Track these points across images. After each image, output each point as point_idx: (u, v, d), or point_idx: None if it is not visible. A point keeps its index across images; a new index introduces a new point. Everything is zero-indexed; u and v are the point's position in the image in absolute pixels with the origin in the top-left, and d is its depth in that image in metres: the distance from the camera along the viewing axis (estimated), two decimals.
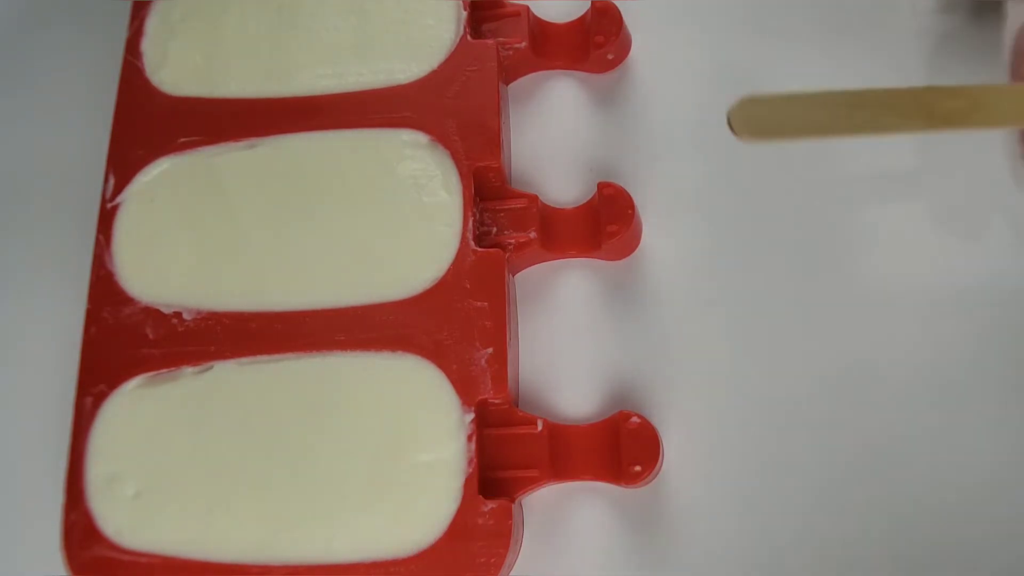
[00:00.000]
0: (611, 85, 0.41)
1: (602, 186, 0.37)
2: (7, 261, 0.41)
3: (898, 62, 0.40)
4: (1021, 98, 0.29)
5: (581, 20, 0.41)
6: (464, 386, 0.34)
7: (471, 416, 0.33)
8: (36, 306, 0.40)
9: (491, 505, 0.32)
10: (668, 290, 0.38)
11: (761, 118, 0.29)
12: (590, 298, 0.38)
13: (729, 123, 0.29)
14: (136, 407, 0.35)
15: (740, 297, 0.37)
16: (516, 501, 0.33)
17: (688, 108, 0.40)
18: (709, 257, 0.38)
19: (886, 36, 0.41)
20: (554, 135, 0.41)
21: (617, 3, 0.40)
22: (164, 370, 0.35)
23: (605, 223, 0.37)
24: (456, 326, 0.35)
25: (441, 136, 0.38)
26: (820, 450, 0.35)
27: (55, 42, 0.45)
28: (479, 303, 0.35)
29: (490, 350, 0.34)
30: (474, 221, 0.36)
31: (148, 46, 0.41)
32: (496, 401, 0.34)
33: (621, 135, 0.41)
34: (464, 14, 0.40)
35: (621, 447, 0.34)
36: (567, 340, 0.38)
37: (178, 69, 0.40)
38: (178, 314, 0.36)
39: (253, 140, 0.39)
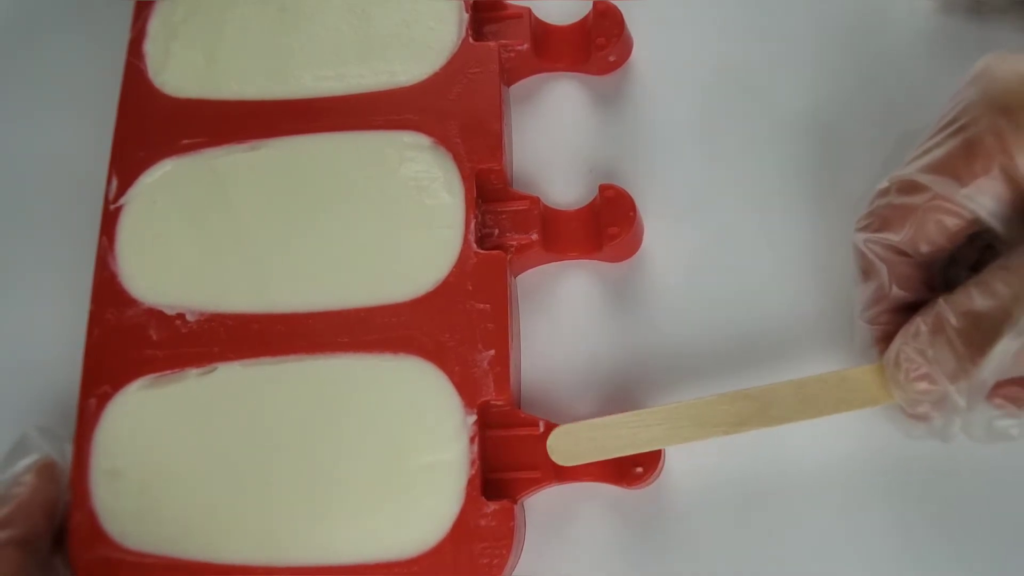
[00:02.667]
0: (613, 87, 0.41)
1: (604, 188, 0.38)
2: (11, 262, 0.41)
3: (898, 62, 0.40)
4: (804, 393, 0.31)
5: (583, 22, 0.41)
6: (466, 388, 0.34)
7: (473, 418, 0.33)
8: (39, 307, 0.40)
9: (493, 506, 0.32)
10: (669, 292, 0.38)
11: (574, 446, 0.33)
12: (591, 300, 0.38)
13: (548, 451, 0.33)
14: (140, 408, 0.35)
15: (741, 299, 0.37)
16: (518, 502, 0.33)
17: (689, 110, 0.41)
18: (711, 259, 0.38)
19: (885, 36, 0.41)
20: (556, 137, 0.41)
21: (619, 5, 0.41)
22: (168, 372, 0.36)
23: (606, 225, 0.37)
24: (458, 328, 0.35)
25: (443, 138, 0.38)
26: (822, 450, 0.35)
27: (58, 44, 0.45)
28: (481, 305, 0.35)
29: (492, 352, 0.34)
30: (476, 223, 0.37)
31: (151, 48, 0.41)
32: (498, 403, 0.34)
33: (623, 137, 0.41)
34: (466, 16, 0.40)
35: None
36: (568, 341, 0.38)
37: (180, 71, 0.40)
38: (181, 316, 0.36)
39: (256, 142, 0.39)
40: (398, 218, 0.37)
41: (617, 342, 0.37)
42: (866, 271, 0.31)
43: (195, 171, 0.38)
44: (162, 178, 0.39)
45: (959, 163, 0.28)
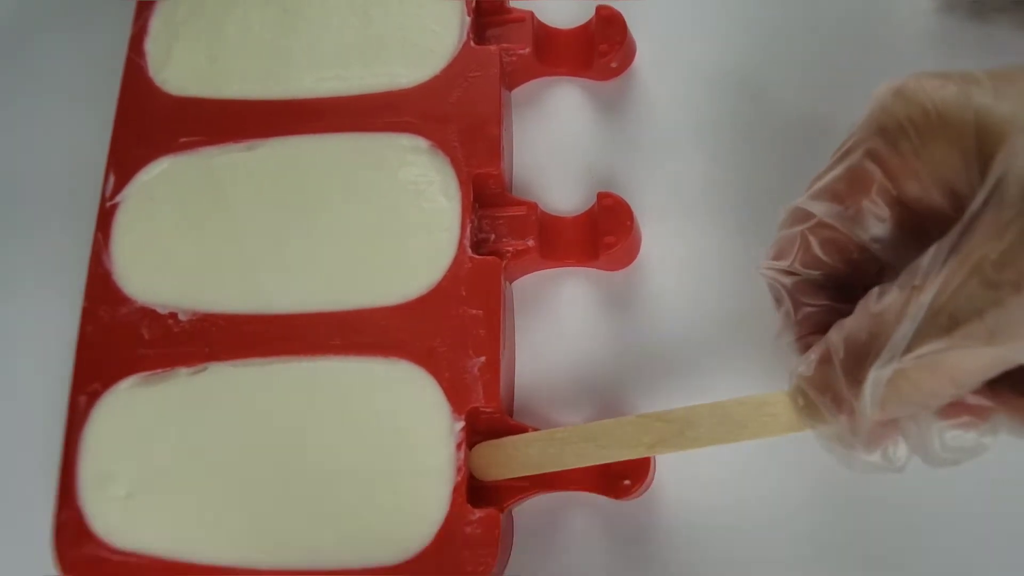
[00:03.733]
0: (614, 93, 0.41)
1: (602, 196, 0.37)
2: (4, 258, 0.41)
3: (898, 62, 0.40)
4: (722, 416, 0.30)
5: (586, 27, 0.41)
6: (455, 394, 0.34)
7: (461, 424, 0.33)
8: (32, 303, 0.40)
9: (479, 514, 0.32)
10: (666, 301, 0.38)
11: (489, 461, 0.33)
12: (587, 307, 0.38)
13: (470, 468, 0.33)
14: (130, 407, 0.35)
15: (739, 309, 0.37)
16: (505, 510, 0.33)
17: (691, 117, 0.40)
18: (710, 266, 0.38)
19: (886, 37, 0.40)
20: (556, 142, 0.41)
21: (621, 10, 0.40)
22: (159, 370, 0.35)
23: (603, 233, 0.37)
24: (450, 333, 0.35)
25: (441, 142, 0.38)
26: (814, 462, 0.34)
27: (58, 40, 0.45)
28: (474, 311, 0.35)
29: (483, 359, 0.34)
30: (472, 228, 0.36)
31: (152, 45, 0.41)
32: (487, 410, 0.34)
33: (624, 143, 0.40)
34: (468, 19, 0.40)
35: None
36: (563, 349, 0.37)
37: (181, 69, 0.40)
38: (174, 315, 0.36)
39: (253, 141, 0.39)
40: (394, 221, 0.37)
41: (613, 350, 0.37)
42: (776, 298, 0.31)
43: (192, 170, 0.38)
44: (159, 176, 0.38)
45: (841, 188, 0.28)
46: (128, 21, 0.41)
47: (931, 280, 0.25)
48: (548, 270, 0.38)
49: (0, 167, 0.43)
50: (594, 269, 0.38)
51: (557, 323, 0.38)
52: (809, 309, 0.30)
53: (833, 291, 0.30)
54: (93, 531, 0.34)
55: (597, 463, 0.32)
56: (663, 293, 0.38)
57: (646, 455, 0.32)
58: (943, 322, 0.24)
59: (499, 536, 0.32)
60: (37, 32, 0.45)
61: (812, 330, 0.30)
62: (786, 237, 0.30)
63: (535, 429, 0.34)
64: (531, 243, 0.37)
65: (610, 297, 0.38)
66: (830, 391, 0.27)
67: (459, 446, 0.33)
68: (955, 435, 0.27)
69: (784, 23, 0.41)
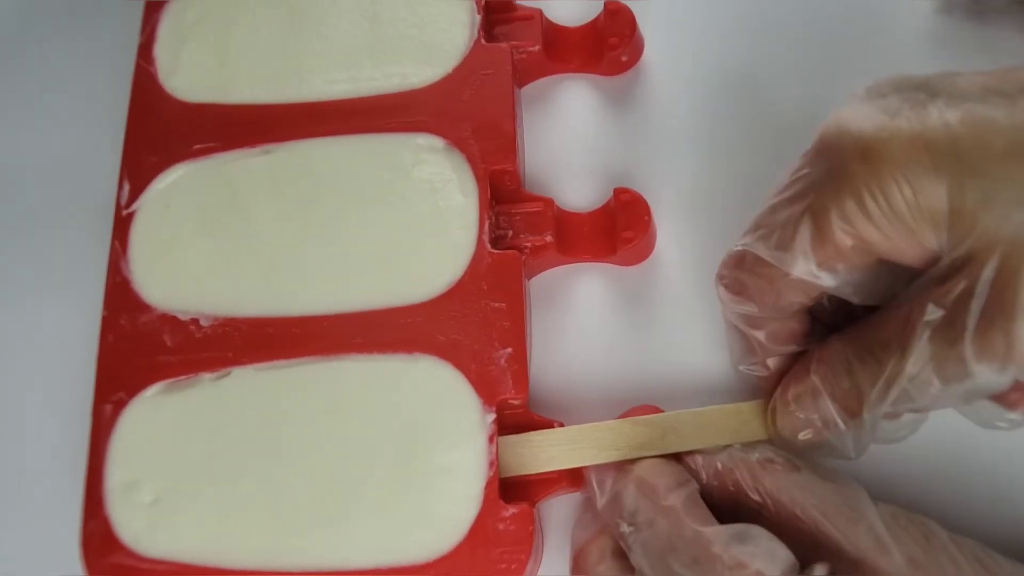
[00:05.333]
0: (625, 87, 0.41)
1: (619, 192, 0.37)
2: (23, 268, 0.41)
3: (898, 63, 0.40)
4: (702, 422, 0.32)
5: (594, 23, 0.41)
6: (484, 386, 0.34)
7: (492, 416, 0.33)
8: (53, 313, 0.40)
9: (512, 510, 0.32)
10: (682, 294, 0.38)
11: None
12: (604, 302, 0.38)
13: None
14: (154, 414, 0.35)
15: None
16: (537, 506, 0.33)
17: (702, 110, 0.40)
18: None
19: (886, 37, 0.41)
20: (568, 138, 0.41)
21: (630, 5, 0.40)
22: (182, 377, 0.35)
23: (621, 229, 0.37)
24: (474, 327, 0.34)
25: (456, 140, 0.38)
26: None
27: (67, 47, 0.45)
28: (497, 304, 0.35)
29: (509, 350, 0.34)
30: (490, 224, 0.36)
31: (161, 51, 0.41)
32: (515, 402, 0.34)
33: (635, 138, 0.40)
34: (478, 18, 0.40)
35: None
36: (581, 344, 0.37)
37: (191, 75, 0.40)
38: (195, 320, 0.36)
39: (268, 146, 0.39)
40: (412, 220, 0.37)
41: (630, 344, 0.37)
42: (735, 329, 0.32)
43: (207, 176, 0.38)
44: (174, 183, 0.38)
45: (788, 236, 0.29)
46: (135, 22, 0.41)
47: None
48: (562, 266, 0.38)
49: (14, 174, 0.43)
50: (609, 264, 0.38)
51: (574, 318, 0.38)
52: (773, 345, 0.32)
53: (800, 324, 0.32)
54: (121, 539, 0.33)
55: (583, 464, 0.33)
56: (678, 287, 0.38)
57: (628, 457, 0.32)
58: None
59: (533, 532, 0.32)
60: (44, 34, 0.45)
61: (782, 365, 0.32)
62: (745, 282, 0.30)
63: (559, 423, 0.34)
64: (549, 239, 0.37)
65: (626, 291, 0.38)
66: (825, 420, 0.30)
67: (491, 438, 0.33)
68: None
69: (788, 17, 0.42)
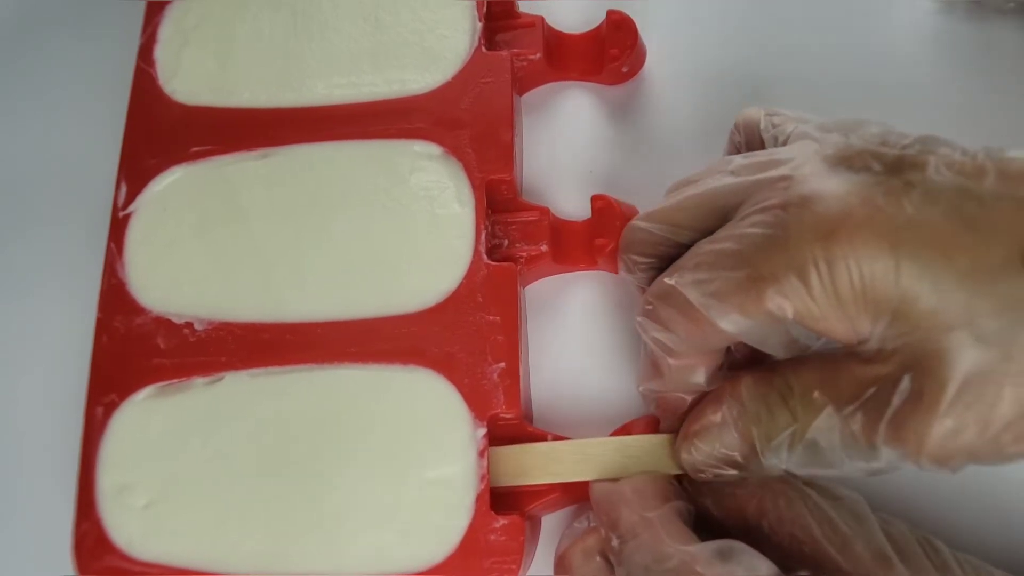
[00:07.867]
0: (625, 97, 0.41)
1: (595, 199, 0.37)
2: (18, 268, 0.41)
3: (898, 62, 0.40)
4: (626, 452, 0.33)
5: (596, 32, 0.41)
6: (476, 401, 0.34)
7: (483, 431, 0.33)
8: (47, 314, 0.40)
9: (503, 521, 0.32)
10: None
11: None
12: (600, 311, 0.38)
13: None
14: (147, 418, 0.35)
15: None
16: (528, 517, 0.33)
17: (702, 121, 0.40)
18: None
19: (886, 37, 0.41)
20: (567, 146, 0.41)
21: (631, 14, 0.40)
22: (175, 380, 0.35)
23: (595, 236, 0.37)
24: (468, 340, 0.34)
25: (454, 148, 0.38)
26: None
27: (67, 48, 0.45)
28: (491, 317, 0.35)
29: (502, 364, 0.34)
30: (486, 234, 0.36)
31: (161, 53, 0.40)
32: (507, 416, 0.34)
33: (634, 148, 0.40)
34: (479, 25, 0.39)
35: None
36: (577, 353, 0.37)
37: (191, 77, 0.40)
38: (190, 324, 0.36)
39: (266, 150, 0.38)
40: (408, 228, 0.37)
41: (625, 353, 0.37)
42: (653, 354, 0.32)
43: (205, 179, 0.38)
44: (172, 186, 0.38)
45: (724, 291, 0.28)
46: (136, 24, 0.41)
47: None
48: (559, 275, 0.38)
49: (11, 175, 0.43)
50: (605, 272, 0.38)
51: (570, 327, 0.38)
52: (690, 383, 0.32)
53: (717, 358, 0.32)
54: (113, 542, 0.34)
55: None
56: None
57: (548, 482, 0.33)
58: None
59: (523, 543, 0.32)
60: (45, 34, 0.45)
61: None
62: (676, 318, 0.30)
63: (553, 435, 0.34)
64: (544, 248, 0.37)
65: (622, 300, 0.38)
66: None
67: (481, 453, 0.33)
68: None
69: (790, 25, 0.42)
